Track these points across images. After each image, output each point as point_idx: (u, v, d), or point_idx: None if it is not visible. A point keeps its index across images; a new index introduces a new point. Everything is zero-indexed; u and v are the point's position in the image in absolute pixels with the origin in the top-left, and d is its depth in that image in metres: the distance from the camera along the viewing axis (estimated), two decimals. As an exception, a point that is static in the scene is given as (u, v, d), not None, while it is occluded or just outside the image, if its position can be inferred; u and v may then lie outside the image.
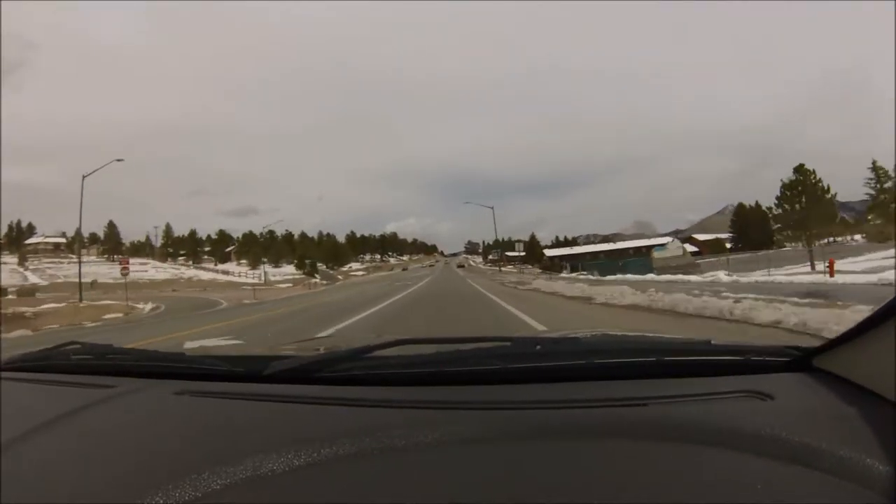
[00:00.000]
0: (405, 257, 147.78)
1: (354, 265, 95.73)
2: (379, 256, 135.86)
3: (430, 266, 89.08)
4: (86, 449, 0.59)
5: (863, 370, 0.57)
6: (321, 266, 71.67)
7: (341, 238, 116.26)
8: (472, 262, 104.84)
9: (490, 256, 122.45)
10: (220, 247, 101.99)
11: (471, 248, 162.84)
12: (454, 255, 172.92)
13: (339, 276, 56.46)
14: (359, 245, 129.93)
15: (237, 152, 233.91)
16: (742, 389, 0.61)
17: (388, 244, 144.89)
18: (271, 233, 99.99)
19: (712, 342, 0.80)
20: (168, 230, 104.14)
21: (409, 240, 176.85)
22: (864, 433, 0.47)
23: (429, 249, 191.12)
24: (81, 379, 0.86)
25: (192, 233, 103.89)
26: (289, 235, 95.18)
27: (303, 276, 58.20)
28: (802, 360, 0.68)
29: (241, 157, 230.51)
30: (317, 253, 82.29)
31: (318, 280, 49.12)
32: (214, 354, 0.93)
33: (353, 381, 0.74)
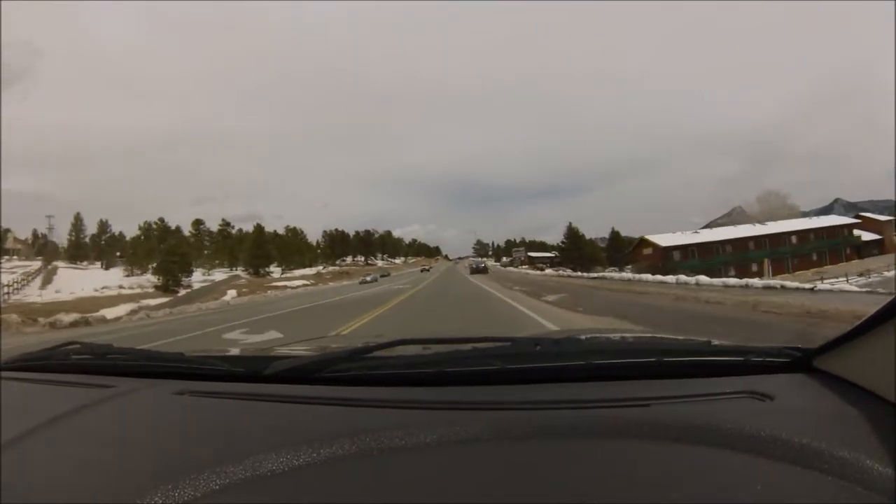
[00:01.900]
0: (398, 260, 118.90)
1: (306, 271, 63.54)
2: (363, 259, 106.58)
3: (424, 271, 57.57)
4: (86, 449, 0.59)
5: (863, 371, 0.56)
6: (225, 272, 42.95)
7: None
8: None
9: (504, 259, 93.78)
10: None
11: (481, 251, 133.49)
12: (460, 258, 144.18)
13: (237, 292, 28.18)
14: (338, 244, 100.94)
15: (242, 159, 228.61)
16: (742, 390, 0.61)
17: (376, 244, 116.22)
18: (197, 223, 68.45)
19: (713, 343, 0.80)
20: (77, 222, 74.03)
21: (408, 241, 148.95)
22: (865, 434, 0.47)
23: (431, 252, 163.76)
24: (81, 379, 0.86)
25: (102, 225, 74.01)
26: (224, 228, 64.77)
27: (155, 289, 29.48)
28: (802, 360, 0.68)
29: (246, 164, 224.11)
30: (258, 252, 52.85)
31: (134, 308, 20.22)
32: (214, 354, 0.92)
33: (353, 381, 0.73)
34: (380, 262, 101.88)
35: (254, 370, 0.77)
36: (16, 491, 0.47)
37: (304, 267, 74.10)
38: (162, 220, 65.70)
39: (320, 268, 70.61)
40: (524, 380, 0.69)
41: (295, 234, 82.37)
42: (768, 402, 0.57)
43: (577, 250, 62.79)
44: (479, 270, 35.84)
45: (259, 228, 58.31)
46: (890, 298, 0.51)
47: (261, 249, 52.82)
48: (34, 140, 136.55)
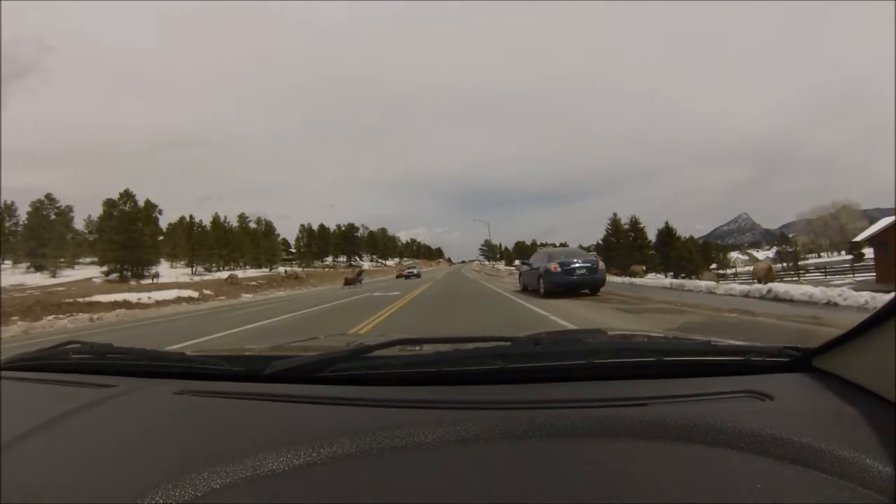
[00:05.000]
0: (391, 262, 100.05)
1: (223, 274, 39.46)
2: (345, 258, 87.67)
3: (411, 276, 36.48)
4: (86, 449, 0.59)
5: (862, 370, 0.56)
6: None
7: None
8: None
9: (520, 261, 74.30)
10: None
11: (489, 253, 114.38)
12: (464, 261, 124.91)
13: None
14: (315, 241, 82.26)
15: (251, 160, 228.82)
16: (742, 390, 0.61)
17: (362, 242, 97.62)
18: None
19: (712, 342, 0.80)
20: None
21: (405, 240, 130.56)
22: (864, 433, 0.47)
23: (432, 254, 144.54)
24: (81, 378, 0.86)
25: (6, 208, 55.08)
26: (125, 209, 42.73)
27: None
28: (802, 360, 0.68)
29: (255, 165, 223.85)
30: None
31: None
32: (215, 354, 0.93)
33: (353, 381, 0.74)
34: (366, 264, 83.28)
35: (254, 370, 0.78)
36: (16, 491, 0.47)
37: (260, 266, 55.40)
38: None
39: (260, 270, 51.32)
40: (524, 379, 0.69)
41: (246, 228, 63.58)
42: (768, 401, 0.57)
43: (637, 249, 43.37)
44: (568, 283, 10.03)
45: (126, 196, 35.44)
46: (889, 298, 0.51)
47: (128, 235, 32.29)
48: (42, 135, 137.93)
